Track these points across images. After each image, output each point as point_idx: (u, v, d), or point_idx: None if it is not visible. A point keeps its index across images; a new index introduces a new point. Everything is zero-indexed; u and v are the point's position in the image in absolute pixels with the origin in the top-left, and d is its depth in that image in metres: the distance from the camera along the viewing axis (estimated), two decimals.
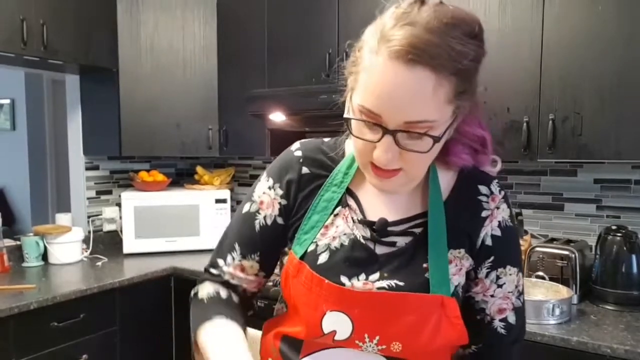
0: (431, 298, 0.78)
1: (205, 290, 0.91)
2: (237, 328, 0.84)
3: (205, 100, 2.77)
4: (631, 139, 1.71)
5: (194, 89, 2.76)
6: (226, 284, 0.91)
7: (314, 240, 0.83)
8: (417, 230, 0.82)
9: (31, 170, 4.70)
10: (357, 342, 0.79)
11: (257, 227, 0.89)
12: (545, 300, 1.69)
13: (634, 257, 1.84)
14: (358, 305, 0.78)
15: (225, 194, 2.84)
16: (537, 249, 1.94)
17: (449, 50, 0.67)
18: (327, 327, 0.79)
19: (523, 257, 1.98)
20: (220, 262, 0.91)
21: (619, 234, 1.87)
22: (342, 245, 0.82)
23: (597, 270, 1.90)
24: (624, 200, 2.05)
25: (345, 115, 0.78)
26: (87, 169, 2.87)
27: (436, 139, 0.71)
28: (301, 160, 0.88)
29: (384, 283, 0.79)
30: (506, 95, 1.92)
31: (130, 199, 2.70)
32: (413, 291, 0.78)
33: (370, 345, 0.79)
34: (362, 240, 0.82)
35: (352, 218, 0.84)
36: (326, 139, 0.92)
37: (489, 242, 0.83)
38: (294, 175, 0.88)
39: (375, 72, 0.69)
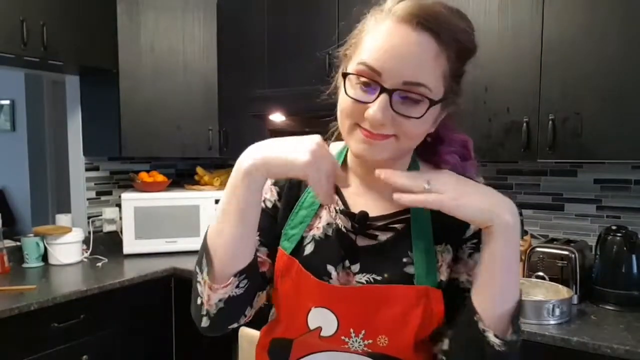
0: (416, 289, 0.78)
1: None
2: None
3: (205, 101, 2.77)
4: (631, 139, 1.71)
5: (194, 89, 2.77)
6: None
7: (302, 235, 0.85)
8: (399, 226, 0.83)
9: (31, 171, 4.70)
10: (343, 337, 0.79)
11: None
12: (546, 301, 1.69)
13: (634, 257, 1.84)
14: (341, 301, 0.79)
15: None
16: (537, 249, 1.94)
17: (452, 25, 0.72)
18: (312, 323, 0.80)
19: (523, 257, 1.98)
20: None
21: (619, 234, 1.87)
22: (326, 235, 0.84)
23: (597, 271, 1.90)
24: (624, 201, 2.06)
25: (335, 84, 0.80)
26: (87, 169, 2.87)
27: (432, 102, 0.72)
28: None
29: (362, 277, 0.80)
30: (506, 96, 1.92)
31: (130, 199, 2.69)
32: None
33: (356, 341, 0.79)
34: (344, 230, 0.84)
35: (335, 208, 0.85)
36: None
37: (475, 229, 0.82)
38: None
39: (381, 32, 0.72)
